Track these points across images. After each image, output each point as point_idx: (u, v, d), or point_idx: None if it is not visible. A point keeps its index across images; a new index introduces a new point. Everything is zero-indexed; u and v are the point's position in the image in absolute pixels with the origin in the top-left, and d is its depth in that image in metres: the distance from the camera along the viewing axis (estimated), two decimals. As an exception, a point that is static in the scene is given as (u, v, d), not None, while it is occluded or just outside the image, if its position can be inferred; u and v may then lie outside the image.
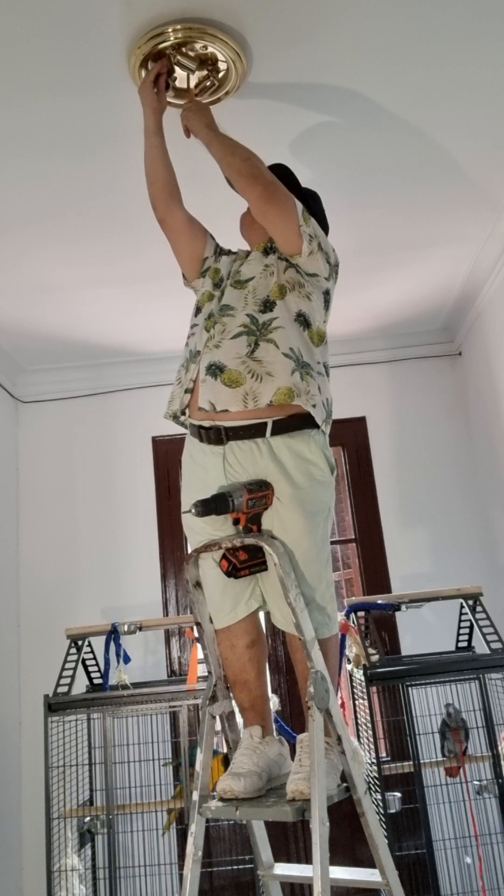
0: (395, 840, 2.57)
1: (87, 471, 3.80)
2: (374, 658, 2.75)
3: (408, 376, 3.88)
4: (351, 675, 2.95)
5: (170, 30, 1.80)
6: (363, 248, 2.98)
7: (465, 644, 3.09)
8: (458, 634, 3.08)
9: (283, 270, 1.80)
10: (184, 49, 1.86)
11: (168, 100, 1.95)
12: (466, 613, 2.97)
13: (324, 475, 1.71)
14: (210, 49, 1.86)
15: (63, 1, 1.70)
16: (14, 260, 2.81)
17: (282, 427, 1.68)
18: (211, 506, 1.60)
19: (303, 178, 2.01)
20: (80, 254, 2.83)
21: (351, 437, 3.83)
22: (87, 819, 2.86)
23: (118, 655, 2.99)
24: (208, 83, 1.96)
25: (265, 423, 1.67)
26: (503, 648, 2.74)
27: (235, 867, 3.09)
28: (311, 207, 1.82)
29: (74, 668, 2.91)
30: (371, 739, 2.68)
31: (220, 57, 1.88)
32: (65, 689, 2.85)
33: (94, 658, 3.10)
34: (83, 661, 3.01)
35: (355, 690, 2.95)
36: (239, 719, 1.81)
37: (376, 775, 2.60)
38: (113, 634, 3.00)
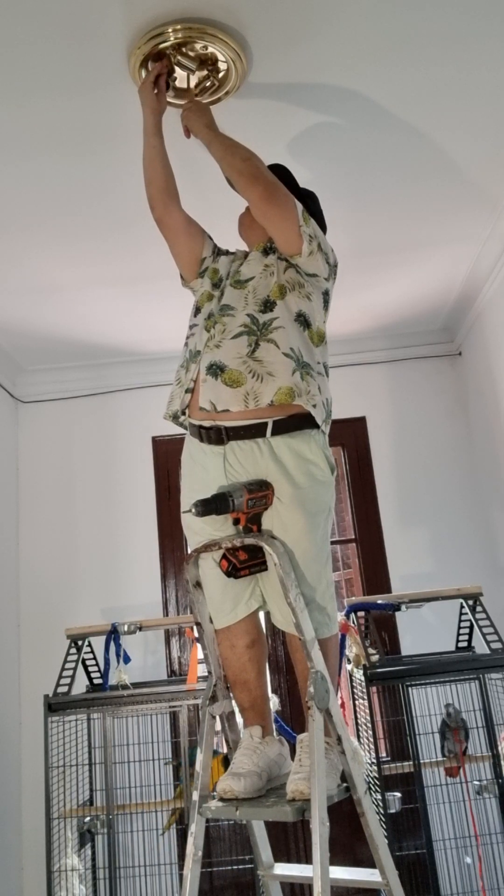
0: (395, 840, 2.57)
1: (87, 471, 3.80)
2: (374, 658, 2.75)
3: (408, 376, 3.88)
4: (351, 675, 2.95)
5: (170, 30, 1.80)
6: (363, 248, 2.98)
7: (465, 644, 3.09)
8: (458, 634, 3.08)
9: (282, 270, 1.80)
10: (184, 49, 1.86)
11: (168, 100, 1.95)
12: (466, 613, 2.97)
13: (324, 475, 1.71)
14: (210, 49, 1.86)
15: (63, 1, 1.70)
16: (14, 260, 2.81)
17: (282, 427, 1.68)
18: (211, 505, 1.60)
19: (303, 178, 2.01)
20: (80, 254, 2.83)
21: (351, 437, 3.83)
22: (87, 819, 2.86)
23: (118, 655, 2.99)
24: (208, 83, 1.96)
25: (266, 423, 1.67)
26: (503, 648, 2.74)
27: (235, 867, 3.09)
28: (309, 208, 1.82)
29: (74, 668, 2.91)
30: (371, 739, 2.68)
31: (220, 57, 1.88)
32: (65, 689, 2.85)
33: (94, 658, 3.10)
34: (83, 661, 3.01)
35: (355, 690, 2.95)
36: (239, 719, 1.81)
37: (376, 775, 2.60)
38: (113, 634, 3.00)
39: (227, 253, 1.98)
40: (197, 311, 1.89)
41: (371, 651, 2.78)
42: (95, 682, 3.08)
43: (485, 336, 3.44)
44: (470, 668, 2.71)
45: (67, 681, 2.87)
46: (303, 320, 1.76)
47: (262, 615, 1.82)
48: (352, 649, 2.84)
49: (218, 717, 1.76)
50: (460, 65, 2.03)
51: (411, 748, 2.69)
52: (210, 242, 1.97)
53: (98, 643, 3.06)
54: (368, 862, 1.60)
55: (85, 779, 3.00)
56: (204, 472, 1.73)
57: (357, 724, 2.93)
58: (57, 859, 2.68)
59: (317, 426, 1.71)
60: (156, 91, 1.89)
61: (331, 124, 2.22)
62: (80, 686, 3.09)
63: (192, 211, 1.96)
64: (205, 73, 1.93)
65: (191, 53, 1.88)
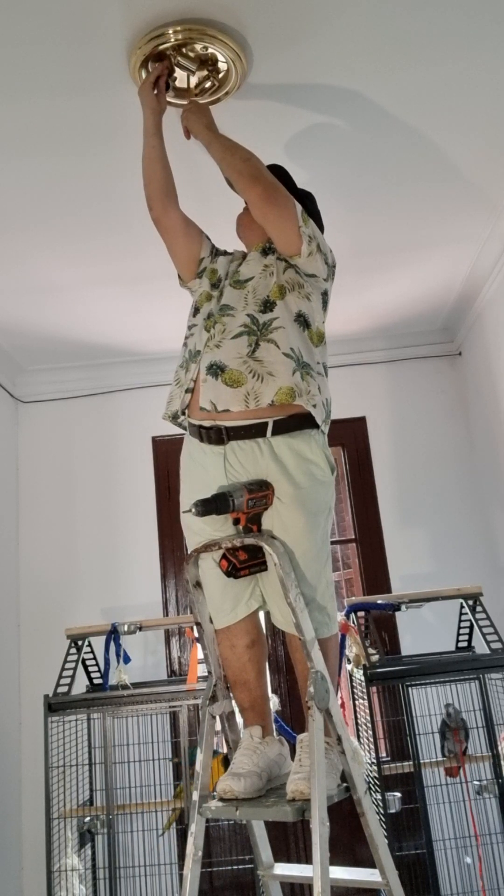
0: (395, 840, 2.57)
1: (87, 471, 3.80)
2: (374, 658, 2.75)
3: (408, 376, 3.88)
4: (351, 675, 2.95)
5: (170, 31, 1.80)
6: (363, 248, 2.98)
7: (465, 644, 3.09)
8: (458, 634, 3.08)
9: (282, 271, 1.80)
10: (184, 50, 1.86)
11: (168, 100, 1.95)
12: (466, 613, 2.97)
13: (324, 475, 1.71)
14: (210, 50, 1.86)
15: (63, 1, 1.70)
16: (14, 260, 2.81)
17: (282, 427, 1.68)
18: (211, 505, 1.60)
19: (303, 178, 2.02)
20: (80, 254, 2.83)
21: (351, 437, 3.83)
22: (87, 819, 2.86)
23: (118, 655, 2.99)
24: (208, 83, 1.96)
25: (266, 423, 1.67)
26: (503, 648, 2.74)
27: (235, 867, 3.09)
28: (307, 208, 1.82)
29: (74, 668, 2.91)
30: (371, 739, 2.68)
31: (220, 57, 1.88)
32: (65, 689, 2.85)
33: (94, 658, 3.10)
34: (83, 661, 3.01)
35: (355, 690, 2.95)
36: (239, 719, 1.81)
37: (376, 775, 2.60)
38: (113, 634, 3.00)
39: (225, 253, 1.98)
40: (196, 311, 1.89)
41: (371, 651, 2.78)
42: (95, 682, 3.08)
43: (485, 336, 3.45)
44: (470, 668, 2.71)
45: (67, 681, 2.87)
46: (302, 320, 1.76)
47: (262, 615, 1.82)
48: (352, 649, 2.84)
49: (218, 717, 1.76)
50: (460, 65, 2.03)
51: (411, 748, 2.69)
52: (208, 243, 1.97)
53: (98, 643, 3.06)
54: (368, 862, 1.60)
55: (85, 779, 3.00)
56: (204, 471, 1.73)
57: (357, 724, 2.93)
58: (57, 859, 2.68)
59: (317, 426, 1.71)
60: (156, 91, 1.89)
61: (331, 125, 2.22)
62: (80, 686, 3.09)
63: (191, 211, 1.96)
64: (205, 73, 1.93)
65: (191, 54, 1.88)
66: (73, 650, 2.98)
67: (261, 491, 1.64)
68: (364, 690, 2.70)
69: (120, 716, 2.94)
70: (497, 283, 3.16)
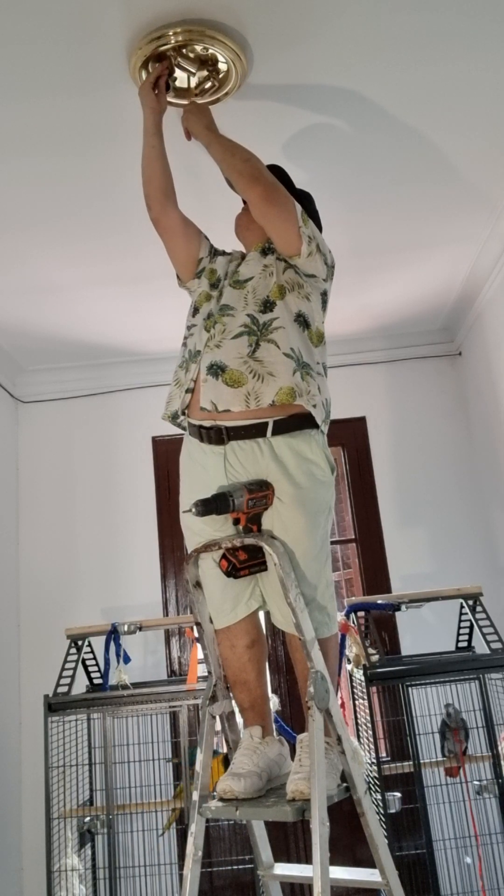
0: (395, 840, 2.57)
1: (87, 471, 3.80)
2: (374, 658, 2.75)
3: (407, 376, 3.88)
4: (351, 675, 2.95)
5: (170, 31, 1.79)
6: (364, 248, 2.98)
7: (465, 644, 3.09)
8: (458, 634, 3.08)
9: (282, 271, 1.80)
10: (184, 50, 1.86)
11: (168, 100, 1.95)
12: (466, 613, 2.97)
13: (325, 475, 1.71)
14: (210, 50, 1.86)
15: (63, 1, 1.70)
16: (14, 260, 2.81)
17: (283, 427, 1.68)
18: (211, 505, 1.60)
19: (303, 178, 2.02)
20: (80, 254, 2.83)
21: (351, 437, 3.83)
22: (87, 819, 2.86)
23: (118, 655, 2.99)
24: (208, 84, 1.96)
25: (266, 423, 1.67)
26: (503, 648, 2.74)
27: (235, 867, 3.09)
28: (306, 208, 1.82)
29: (74, 668, 2.91)
30: (371, 739, 2.68)
31: (220, 58, 1.88)
32: (65, 689, 2.85)
33: (94, 658, 3.10)
34: (83, 661, 3.01)
35: (355, 690, 2.95)
36: (239, 719, 1.81)
37: (376, 775, 2.60)
38: (113, 634, 3.00)
39: (223, 253, 1.98)
40: (195, 311, 1.89)
41: (371, 651, 2.78)
42: (95, 682, 3.08)
43: (485, 336, 3.45)
44: (470, 668, 2.71)
45: (67, 681, 2.87)
46: (302, 320, 1.77)
47: (262, 615, 1.82)
48: (352, 649, 2.84)
49: (218, 717, 1.76)
50: (460, 65, 2.03)
51: (411, 748, 2.69)
52: (206, 243, 1.97)
53: (98, 643, 3.06)
54: (368, 862, 1.60)
55: (85, 779, 3.00)
56: (204, 472, 1.73)
57: (357, 724, 2.93)
58: (57, 859, 2.68)
59: (316, 426, 1.71)
60: (156, 91, 1.89)
61: (330, 125, 2.22)
62: (80, 686, 3.09)
63: (191, 211, 1.96)
64: (205, 73, 1.93)
65: (191, 54, 1.88)
66: (73, 650, 2.98)
67: (261, 491, 1.64)
68: (364, 690, 2.70)
69: (120, 716, 2.94)
70: (497, 283, 3.16)
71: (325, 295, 1.86)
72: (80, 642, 3.00)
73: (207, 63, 1.91)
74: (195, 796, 1.62)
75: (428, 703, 2.84)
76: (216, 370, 1.70)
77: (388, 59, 1.97)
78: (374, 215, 2.76)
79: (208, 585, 1.76)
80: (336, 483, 1.79)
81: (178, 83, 1.96)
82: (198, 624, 1.77)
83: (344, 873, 1.66)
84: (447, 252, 3.10)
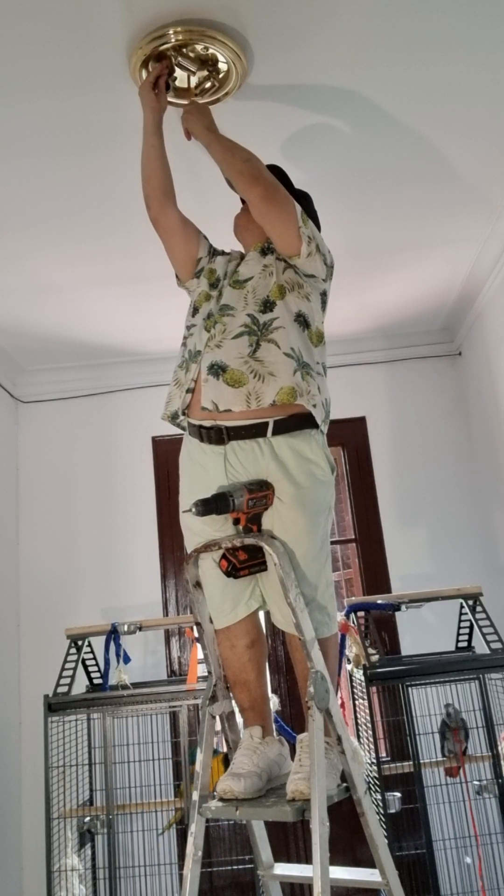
0: (395, 840, 2.57)
1: (87, 471, 3.80)
2: (374, 658, 2.75)
3: (407, 376, 3.88)
4: (351, 675, 2.95)
5: (170, 31, 1.80)
6: (364, 248, 2.98)
7: (465, 644, 3.09)
8: (458, 634, 3.08)
9: (281, 271, 1.80)
10: (184, 50, 1.86)
11: (168, 99, 1.95)
12: (466, 613, 2.97)
13: (325, 475, 1.71)
14: (210, 50, 1.86)
15: (63, 1, 1.70)
16: (14, 260, 2.81)
17: (283, 427, 1.68)
18: (211, 505, 1.60)
19: (303, 178, 2.01)
20: (80, 254, 2.83)
21: (351, 437, 3.83)
22: (87, 819, 2.86)
23: (118, 655, 2.99)
24: (208, 84, 1.96)
25: (266, 423, 1.67)
26: (503, 648, 2.74)
27: (235, 867, 3.09)
28: (305, 208, 1.82)
29: (74, 668, 2.91)
30: (371, 739, 2.68)
31: (220, 58, 1.88)
32: (65, 689, 2.85)
33: (94, 658, 3.10)
34: (83, 661, 3.01)
35: (355, 690, 2.95)
36: (239, 719, 1.81)
37: (376, 775, 2.60)
38: (113, 634, 3.00)
39: (222, 253, 1.98)
40: (195, 311, 1.89)
41: (371, 651, 2.78)
42: (95, 682, 3.08)
43: (485, 336, 3.45)
44: (470, 668, 2.71)
45: (67, 681, 2.87)
46: (302, 320, 1.77)
47: (262, 615, 1.82)
48: (352, 649, 2.84)
49: (218, 717, 1.76)
50: (460, 66, 2.03)
51: (411, 748, 2.69)
52: (205, 242, 1.97)
53: (98, 643, 3.06)
54: (368, 862, 1.60)
55: (85, 779, 3.00)
56: (204, 472, 1.73)
57: (357, 724, 2.93)
58: (57, 859, 2.68)
59: (316, 426, 1.71)
60: (155, 91, 1.89)
61: (330, 125, 2.22)
62: (80, 686, 3.09)
63: (191, 211, 1.96)
64: (205, 73, 1.93)
65: (191, 54, 1.88)
66: (73, 650, 2.98)
67: (261, 491, 1.64)
68: (364, 690, 2.70)
69: (120, 716, 2.94)
70: (497, 283, 3.16)
71: (324, 295, 1.86)
72: (80, 642, 3.00)
73: (207, 63, 1.91)
74: (195, 796, 1.62)
75: (428, 703, 2.84)
76: (217, 370, 1.70)
77: (388, 59, 1.97)
78: (373, 215, 2.76)
79: (208, 585, 1.76)
80: (336, 483, 1.79)
81: (178, 83, 1.96)
82: (198, 624, 1.77)
83: (344, 873, 1.66)
84: (447, 252, 3.10)
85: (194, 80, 1.96)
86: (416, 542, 3.67)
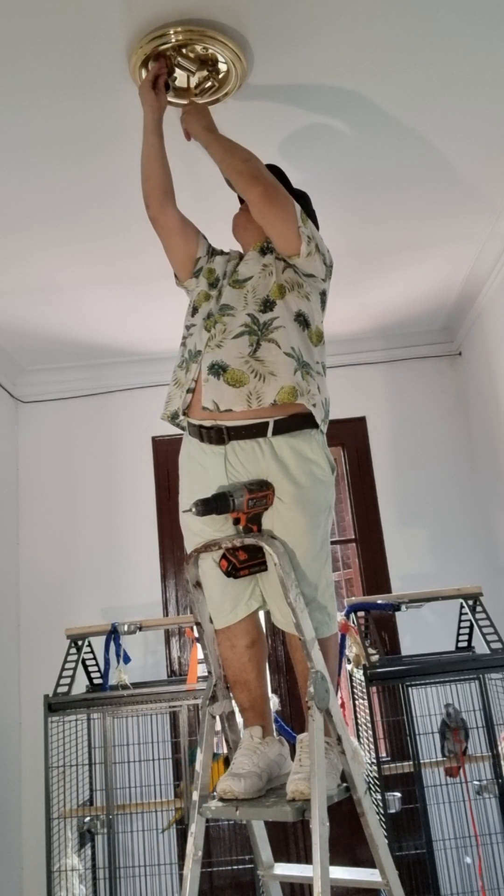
0: (395, 840, 2.57)
1: (87, 471, 3.80)
2: (374, 658, 2.75)
3: (407, 376, 3.88)
4: (351, 675, 2.95)
5: (170, 31, 1.80)
6: (364, 248, 2.98)
7: (465, 644, 3.09)
8: (458, 634, 3.08)
9: (281, 270, 1.80)
10: (184, 50, 1.86)
11: (168, 99, 1.95)
12: (466, 613, 2.97)
13: (325, 474, 1.71)
14: (210, 50, 1.86)
15: (63, 1, 1.70)
16: (14, 260, 2.81)
17: (283, 427, 1.68)
18: (212, 505, 1.60)
19: (302, 178, 2.01)
20: (80, 254, 2.83)
21: (351, 437, 3.83)
22: (87, 819, 2.86)
23: (118, 655, 2.99)
24: (208, 84, 1.96)
25: (267, 423, 1.67)
26: (503, 648, 2.74)
27: (235, 867, 3.09)
28: (304, 208, 1.82)
29: (74, 668, 2.91)
30: (371, 739, 2.68)
31: (220, 58, 1.88)
32: (65, 689, 2.85)
33: (94, 658, 3.10)
34: (83, 661, 3.01)
35: (355, 690, 2.95)
36: (239, 719, 1.81)
37: (376, 775, 2.60)
38: (113, 634, 3.00)
39: (221, 253, 1.98)
40: (194, 310, 1.89)
41: (371, 651, 2.78)
42: (95, 682, 3.08)
43: (485, 336, 3.45)
44: (470, 668, 2.71)
45: (67, 681, 2.87)
46: (302, 320, 1.77)
47: (262, 615, 1.82)
48: (352, 649, 2.84)
49: (218, 717, 1.76)
50: (460, 66, 2.03)
51: (411, 748, 2.69)
52: (204, 242, 1.97)
53: (98, 643, 3.06)
54: (368, 862, 1.60)
55: (85, 779, 3.00)
56: (204, 471, 1.73)
57: (357, 724, 2.93)
58: (57, 859, 2.68)
59: (316, 426, 1.71)
60: (155, 91, 1.89)
61: (330, 125, 2.22)
62: (80, 686, 3.09)
63: (190, 211, 1.96)
64: (205, 73, 1.93)
65: (191, 54, 1.88)
66: (73, 650, 2.98)
67: (261, 491, 1.64)
68: (364, 690, 2.70)
69: (120, 716, 2.94)
70: (497, 283, 3.16)
71: (324, 294, 1.86)
72: (80, 642, 3.00)
73: (207, 63, 1.91)
74: (195, 796, 1.62)
75: (428, 703, 2.84)
76: (217, 370, 1.70)
77: (387, 59, 1.97)
78: (373, 215, 2.76)
79: (208, 585, 1.76)
80: (336, 483, 1.79)
81: (177, 83, 1.96)
82: (198, 624, 1.77)
83: (344, 873, 1.66)
84: (447, 252, 3.10)
85: (194, 81, 1.96)
86: (416, 541, 3.67)
